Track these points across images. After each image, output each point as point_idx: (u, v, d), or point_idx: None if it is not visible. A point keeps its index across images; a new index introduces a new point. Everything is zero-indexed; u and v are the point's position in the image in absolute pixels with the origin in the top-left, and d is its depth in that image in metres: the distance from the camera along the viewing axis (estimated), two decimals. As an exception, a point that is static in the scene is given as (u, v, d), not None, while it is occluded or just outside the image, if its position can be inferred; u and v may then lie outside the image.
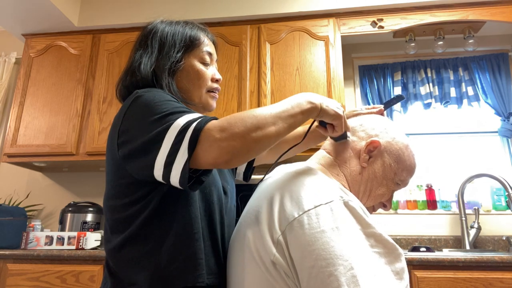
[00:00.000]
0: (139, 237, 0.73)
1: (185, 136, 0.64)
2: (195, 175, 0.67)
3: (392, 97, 0.99)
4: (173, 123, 0.66)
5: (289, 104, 0.70)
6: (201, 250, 0.73)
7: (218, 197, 0.82)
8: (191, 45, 0.89)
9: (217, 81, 0.92)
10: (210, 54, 0.91)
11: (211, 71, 0.92)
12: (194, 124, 0.64)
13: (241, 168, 1.07)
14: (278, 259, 0.64)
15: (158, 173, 0.67)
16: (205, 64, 0.90)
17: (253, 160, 1.07)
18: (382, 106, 0.97)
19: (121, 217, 0.75)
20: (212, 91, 0.92)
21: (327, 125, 0.80)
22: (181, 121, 0.66)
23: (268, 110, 0.67)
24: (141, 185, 0.73)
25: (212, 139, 0.63)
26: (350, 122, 0.88)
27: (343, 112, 0.78)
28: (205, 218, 0.77)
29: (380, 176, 0.81)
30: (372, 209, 0.86)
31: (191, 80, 0.88)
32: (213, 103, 0.93)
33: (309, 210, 0.64)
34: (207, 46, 0.91)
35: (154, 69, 0.85)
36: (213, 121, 0.65)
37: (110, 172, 0.79)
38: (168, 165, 0.65)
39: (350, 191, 0.80)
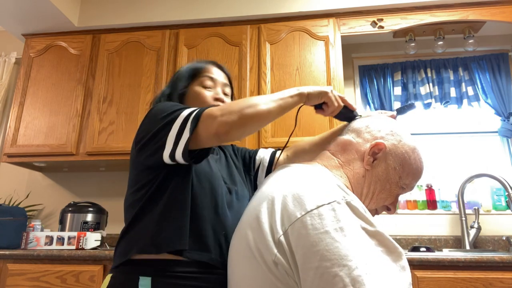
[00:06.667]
0: (139, 216, 0.86)
1: (189, 120, 0.81)
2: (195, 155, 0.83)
3: (404, 104, 1.01)
4: (180, 113, 0.83)
5: (280, 92, 0.87)
6: (186, 225, 0.83)
7: (212, 187, 0.91)
8: (194, 75, 1.07)
9: (218, 99, 1.04)
10: (211, 79, 1.06)
11: (214, 92, 1.05)
12: (196, 111, 0.82)
13: (262, 178, 1.12)
14: (280, 259, 0.63)
15: (166, 152, 0.82)
16: (206, 87, 1.05)
17: (272, 168, 1.13)
18: (394, 112, 0.97)
19: (130, 203, 0.89)
20: None
21: (322, 105, 0.93)
22: (186, 112, 0.83)
23: (260, 96, 0.84)
24: (148, 171, 0.87)
25: (213, 116, 0.79)
26: (357, 124, 0.87)
27: (332, 90, 0.91)
28: (195, 201, 0.86)
29: (384, 179, 0.80)
30: (375, 212, 0.85)
31: (194, 101, 1.04)
32: None
33: (311, 210, 0.63)
34: (209, 73, 1.07)
35: (169, 95, 1.07)
36: (211, 108, 0.82)
37: (130, 171, 0.94)
38: (175, 144, 0.81)
39: (353, 193, 0.80)
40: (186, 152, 0.80)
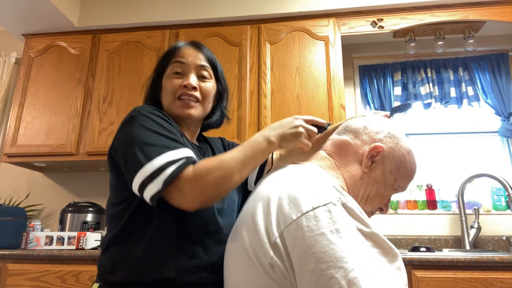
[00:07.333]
0: (123, 234, 0.82)
1: (161, 174, 0.73)
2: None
3: (400, 104, 1.00)
4: (155, 158, 0.75)
5: (251, 149, 0.81)
6: (171, 250, 0.79)
7: None
8: (163, 66, 0.98)
9: (186, 86, 0.92)
10: (181, 63, 0.94)
11: (184, 79, 0.94)
12: (172, 168, 0.73)
13: (252, 178, 1.07)
14: (276, 261, 0.63)
15: (134, 188, 0.77)
16: (177, 73, 0.94)
17: (264, 168, 1.08)
18: (388, 113, 0.97)
19: (113, 214, 0.85)
20: (182, 98, 0.93)
21: None
22: (162, 159, 0.75)
23: (234, 159, 0.77)
24: (125, 187, 0.81)
25: (184, 192, 0.73)
26: (355, 123, 0.86)
27: (302, 127, 0.86)
28: (182, 220, 0.81)
29: (381, 182, 0.79)
30: (370, 214, 0.85)
31: (165, 95, 0.95)
32: (187, 111, 0.93)
33: (307, 212, 0.63)
34: (179, 56, 0.95)
35: (152, 97, 1.00)
36: (187, 171, 0.74)
37: (109, 173, 0.89)
38: (142, 188, 0.75)
39: (349, 194, 0.79)
40: (154, 202, 0.75)
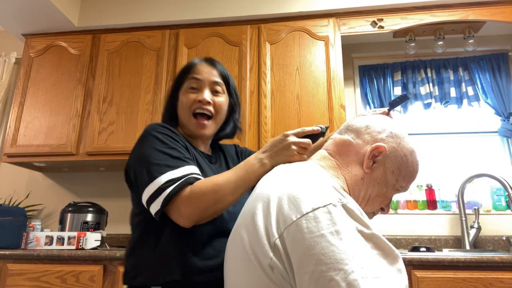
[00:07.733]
0: (141, 243, 0.90)
1: (161, 195, 0.82)
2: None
3: (396, 97, 0.97)
4: (157, 178, 0.83)
5: (245, 172, 0.86)
6: (183, 253, 0.85)
7: None
8: (180, 82, 1.05)
9: (201, 101, 1.00)
10: (196, 80, 1.02)
11: (198, 94, 1.01)
12: (169, 189, 0.81)
13: None
14: (275, 263, 0.63)
15: (144, 204, 0.87)
16: (193, 88, 1.02)
17: None
18: (386, 109, 0.96)
19: (134, 224, 0.95)
20: (196, 117, 1.01)
21: None
22: (163, 178, 0.83)
23: (228, 182, 0.84)
24: (140, 200, 0.89)
25: (180, 212, 0.81)
26: (356, 123, 0.85)
27: (293, 145, 0.87)
28: (193, 228, 0.85)
29: (382, 183, 0.79)
30: (372, 215, 0.84)
31: (181, 110, 1.04)
32: (202, 131, 1.02)
33: (307, 213, 0.62)
34: (194, 73, 1.03)
35: (169, 109, 1.08)
36: (184, 192, 0.81)
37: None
38: (148, 203, 0.85)
39: (350, 195, 0.78)
40: (158, 216, 0.84)
